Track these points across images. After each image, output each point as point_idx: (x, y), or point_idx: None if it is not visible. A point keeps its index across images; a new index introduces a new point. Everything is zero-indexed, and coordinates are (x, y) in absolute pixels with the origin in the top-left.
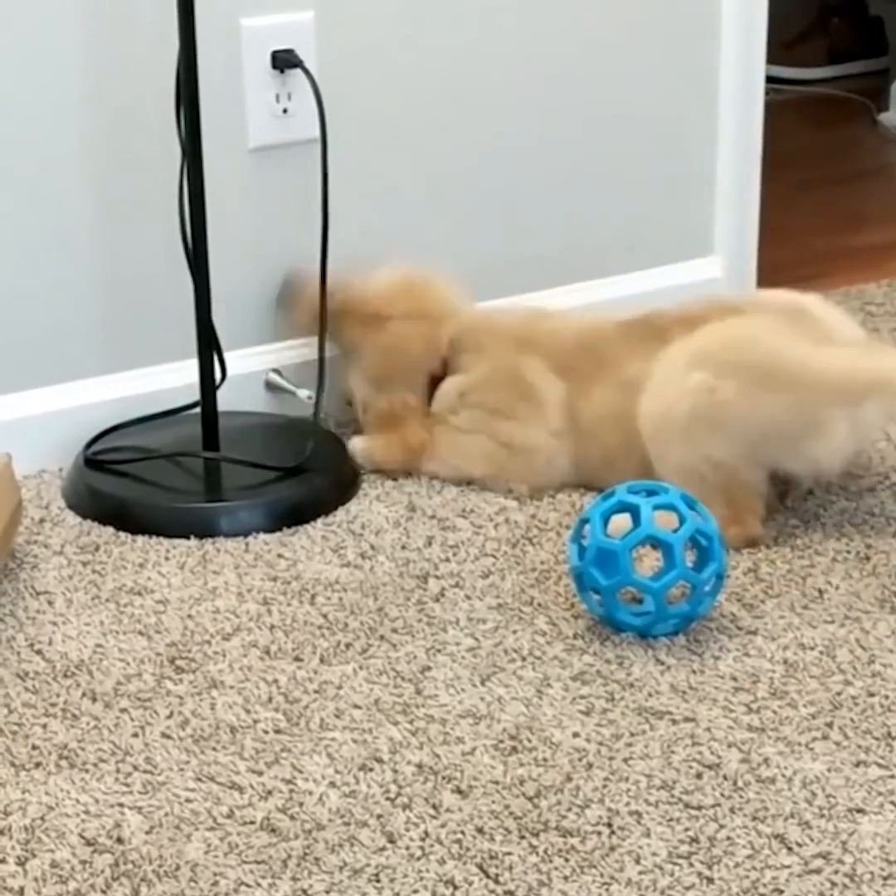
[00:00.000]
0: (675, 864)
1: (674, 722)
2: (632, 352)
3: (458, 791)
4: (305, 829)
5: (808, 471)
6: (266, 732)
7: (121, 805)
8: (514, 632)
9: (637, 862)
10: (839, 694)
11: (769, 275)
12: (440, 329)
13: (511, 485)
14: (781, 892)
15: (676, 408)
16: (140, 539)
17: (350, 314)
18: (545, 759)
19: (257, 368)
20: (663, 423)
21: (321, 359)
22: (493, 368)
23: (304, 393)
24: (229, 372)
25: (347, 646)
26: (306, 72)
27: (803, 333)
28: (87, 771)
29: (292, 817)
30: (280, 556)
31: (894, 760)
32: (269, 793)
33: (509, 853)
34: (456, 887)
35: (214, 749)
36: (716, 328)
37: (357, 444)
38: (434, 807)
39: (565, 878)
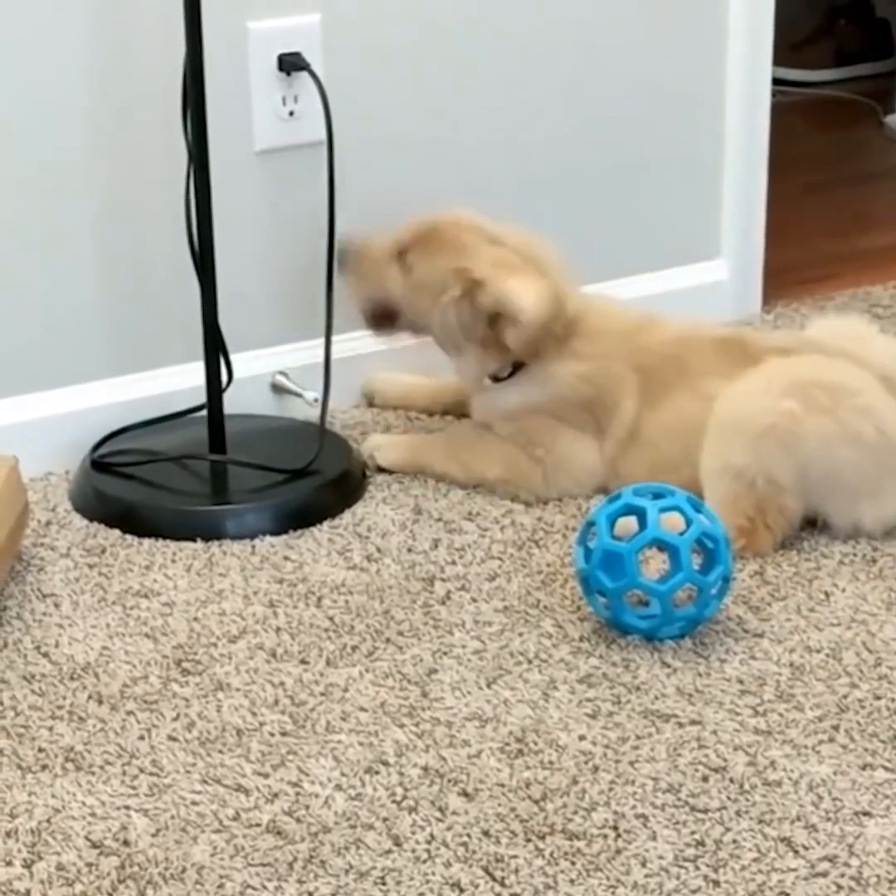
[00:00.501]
0: (682, 867)
1: (680, 725)
2: (719, 369)
3: (465, 794)
4: (311, 831)
5: (849, 527)
6: (272, 735)
7: (127, 807)
8: (521, 634)
9: (643, 865)
10: (846, 697)
11: (776, 277)
12: (568, 300)
13: (521, 492)
14: (788, 895)
15: (758, 419)
16: (146, 541)
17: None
18: (551, 762)
19: (263, 371)
20: (738, 426)
21: (327, 361)
22: (598, 378)
23: (311, 395)
24: (236, 375)
25: (353, 648)
26: (312, 74)
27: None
28: (93, 773)
29: (298, 820)
30: (286, 558)
31: None
32: (276, 795)
33: (515, 856)
34: (462, 890)
35: (220, 751)
36: (820, 364)
37: (373, 442)
38: (440, 810)
39: (571, 881)
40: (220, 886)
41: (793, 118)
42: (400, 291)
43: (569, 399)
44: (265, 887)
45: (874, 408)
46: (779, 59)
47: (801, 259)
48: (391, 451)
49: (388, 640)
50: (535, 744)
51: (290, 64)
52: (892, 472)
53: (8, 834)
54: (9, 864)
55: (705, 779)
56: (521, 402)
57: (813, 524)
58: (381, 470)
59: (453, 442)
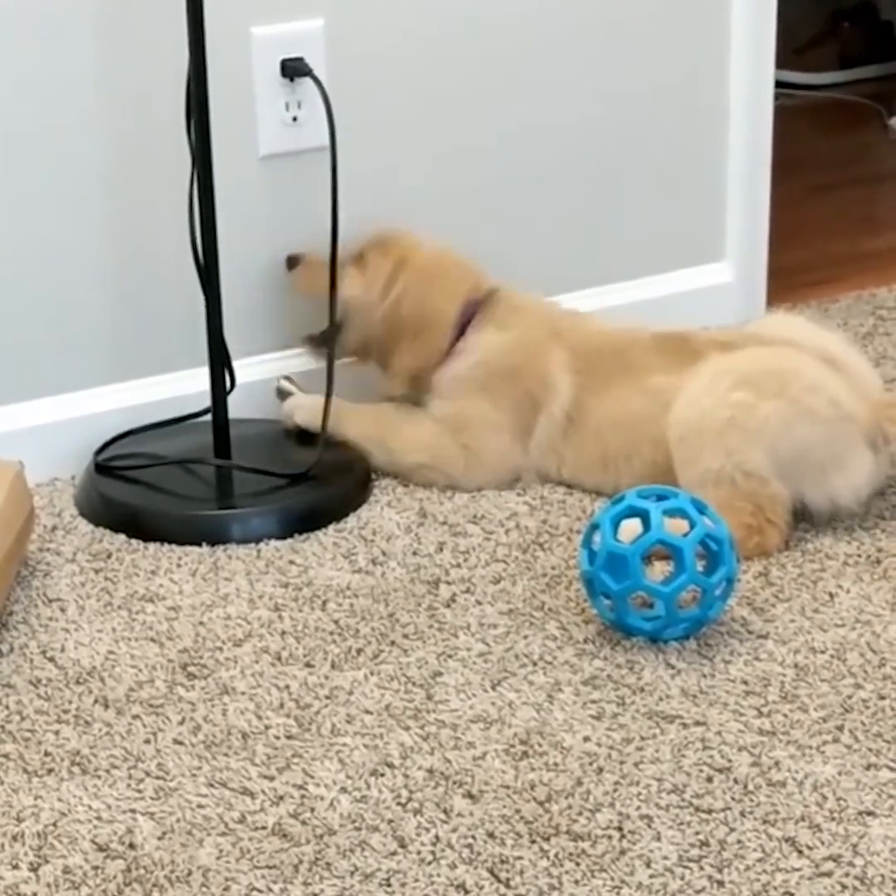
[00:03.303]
0: (686, 867)
1: (684, 726)
2: (661, 363)
3: (469, 796)
4: (317, 834)
5: (826, 503)
6: (277, 738)
7: (133, 811)
8: (525, 637)
9: (647, 866)
10: (850, 697)
11: (780, 280)
12: (475, 279)
13: (440, 478)
14: (792, 895)
15: (714, 415)
16: (152, 546)
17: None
18: (556, 764)
19: (267, 376)
20: (698, 429)
21: (330, 366)
22: (521, 344)
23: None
24: (240, 379)
25: (358, 651)
26: (316, 80)
27: (837, 375)
28: (99, 777)
29: (304, 822)
30: (291, 562)
31: None
32: (281, 798)
33: (520, 857)
34: (467, 892)
35: (226, 755)
36: (760, 353)
37: (294, 401)
38: (445, 811)
39: (576, 882)
40: (226, 889)
41: (797, 121)
42: (351, 291)
43: (496, 366)
44: (271, 889)
45: (821, 384)
46: (783, 61)
47: (805, 261)
48: (311, 412)
49: (392, 642)
50: (540, 745)
51: (293, 69)
52: (852, 441)
53: (14, 837)
54: (15, 867)
55: (710, 779)
56: (453, 377)
57: (799, 520)
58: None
59: (380, 420)
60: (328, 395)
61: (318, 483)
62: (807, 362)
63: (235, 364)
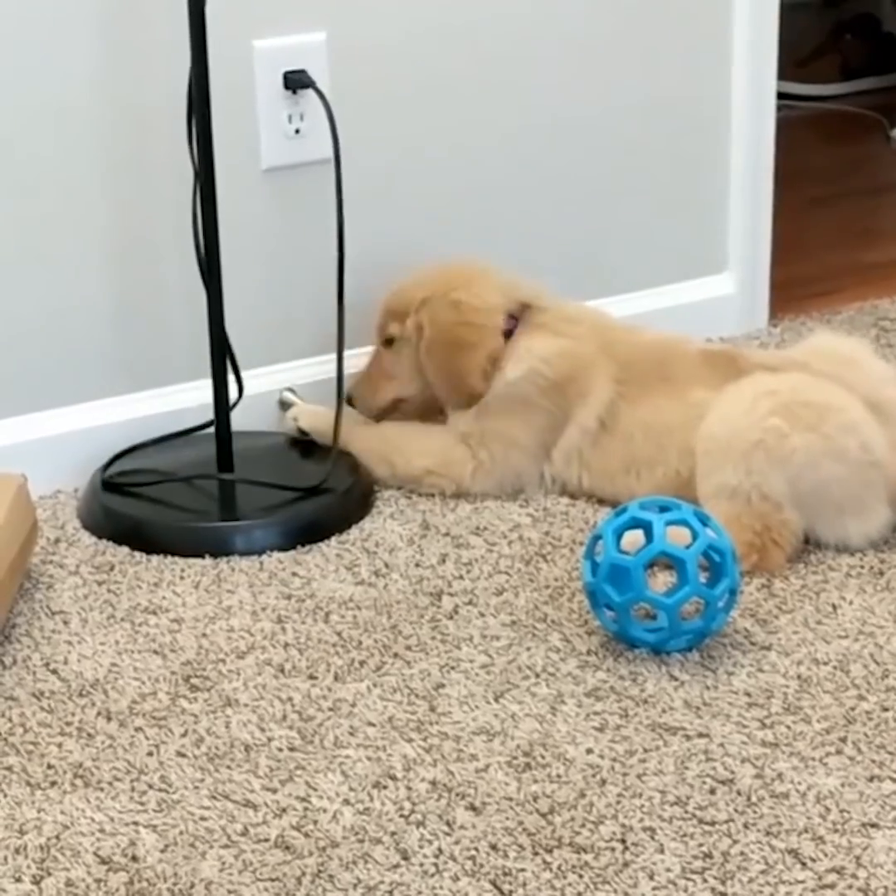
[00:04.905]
0: (689, 879)
1: (687, 738)
2: (705, 378)
3: (472, 808)
4: (319, 846)
5: (836, 542)
6: (280, 750)
7: (136, 823)
8: (528, 649)
9: (651, 878)
10: (853, 709)
11: (782, 291)
12: (509, 290)
13: (446, 484)
14: None
15: (745, 435)
16: (155, 558)
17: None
18: (559, 776)
19: (271, 388)
20: (726, 445)
21: (340, 376)
22: (572, 354)
23: None
24: (245, 391)
25: (361, 663)
26: (318, 92)
27: (878, 420)
28: (102, 789)
29: (306, 835)
30: (294, 574)
31: None
32: (284, 810)
33: (523, 870)
34: None
35: (229, 767)
36: (805, 382)
37: (298, 409)
38: (448, 824)
39: (579, 894)
40: None
41: (799, 132)
42: (400, 371)
43: (542, 377)
44: None
45: (858, 424)
46: (785, 73)
47: (807, 273)
48: (315, 417)
49: (395, 654)
50: (543, 757)
51: (296, 82)
52: (876, 489)
53: (17, 850)
54: (18, 880)
55: (713, 791)
56: (495, 394)
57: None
58: (303, 433)
59: (386, 434)
60: (339, 408)
61: (321, 495)
62: (848, 401)
63: (241, 375)
